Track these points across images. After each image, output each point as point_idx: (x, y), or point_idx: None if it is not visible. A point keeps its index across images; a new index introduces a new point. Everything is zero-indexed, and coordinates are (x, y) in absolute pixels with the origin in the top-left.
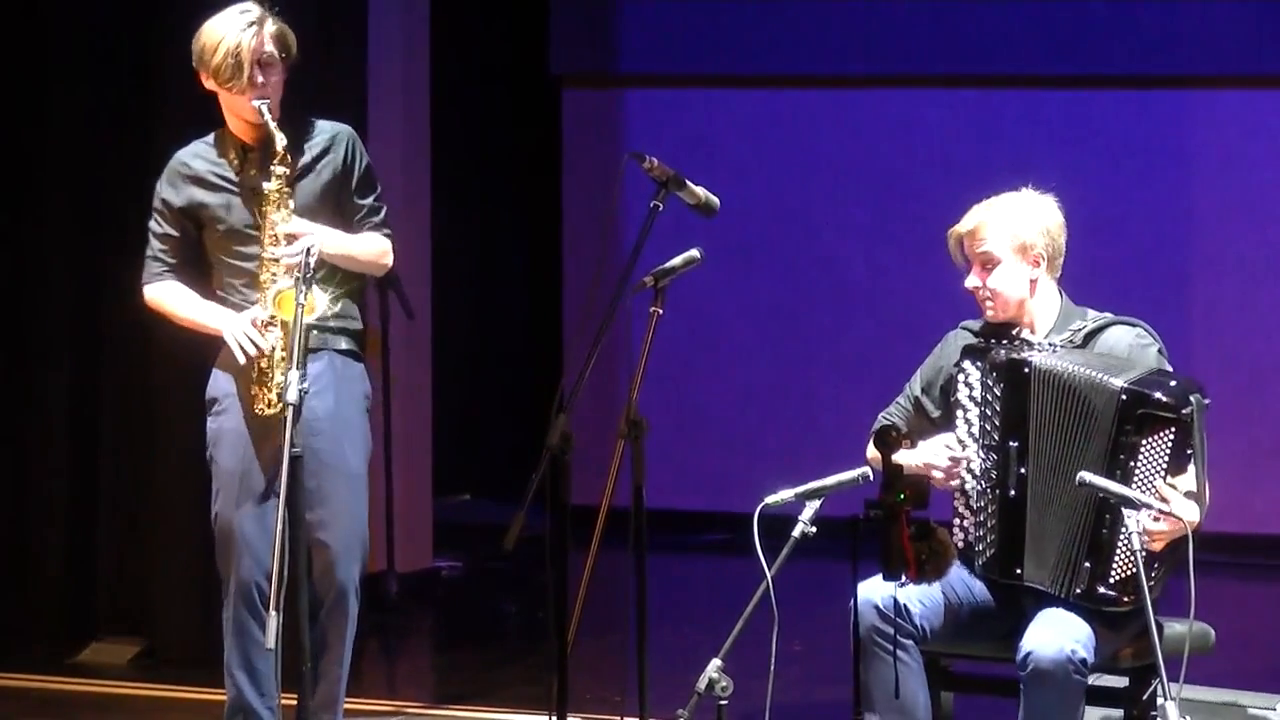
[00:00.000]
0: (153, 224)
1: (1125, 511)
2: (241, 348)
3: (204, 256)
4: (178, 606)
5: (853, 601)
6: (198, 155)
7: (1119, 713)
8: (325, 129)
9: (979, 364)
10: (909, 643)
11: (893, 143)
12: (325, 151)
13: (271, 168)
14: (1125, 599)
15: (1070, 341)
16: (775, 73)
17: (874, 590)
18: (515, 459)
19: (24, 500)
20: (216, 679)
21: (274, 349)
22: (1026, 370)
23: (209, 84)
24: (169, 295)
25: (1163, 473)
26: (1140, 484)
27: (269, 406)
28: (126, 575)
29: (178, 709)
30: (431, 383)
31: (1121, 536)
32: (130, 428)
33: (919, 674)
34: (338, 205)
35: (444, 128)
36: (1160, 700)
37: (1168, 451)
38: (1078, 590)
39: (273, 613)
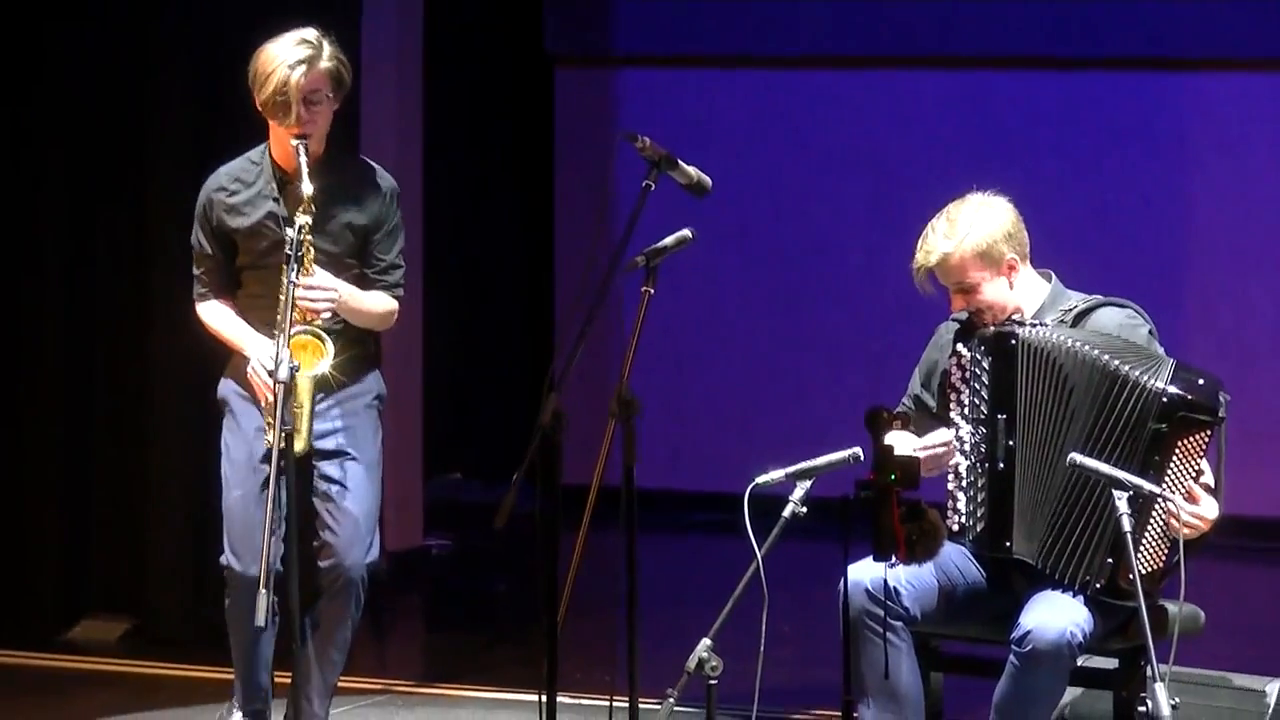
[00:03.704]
0: (194, 240)
1: (1115, 493)
2: (260, 386)
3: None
4: (167, 585)
5: (841, 583)
6: (237, 179)
7: (1108, 694)
8: (371, 178)
9: (969, 343)
10: (899, 625)
11: (888, 125)
12: (364, 201)
13: (295, 217)
14: (1147, 593)
15: (1061, 321)
16: (769, 54)
17: (863, 572)
18: (506, 438)
19: (16, 478)
20: (206, 657)
21: (292, 394)
22: (1013, 342)
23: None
24: (212, 317)
25: (1194, 474)
26: (1172, 484)
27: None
28: (117, 553)
29: (167, 686)
30: (423, 362)
31: (1147, 534)
32: (122, 407)
33: (910, 656)
34: (360, 253)
35: (437, 107)
36: (1150, 682)
37: (1201, 452)
38: (1099, 585)
39: (263, 591)
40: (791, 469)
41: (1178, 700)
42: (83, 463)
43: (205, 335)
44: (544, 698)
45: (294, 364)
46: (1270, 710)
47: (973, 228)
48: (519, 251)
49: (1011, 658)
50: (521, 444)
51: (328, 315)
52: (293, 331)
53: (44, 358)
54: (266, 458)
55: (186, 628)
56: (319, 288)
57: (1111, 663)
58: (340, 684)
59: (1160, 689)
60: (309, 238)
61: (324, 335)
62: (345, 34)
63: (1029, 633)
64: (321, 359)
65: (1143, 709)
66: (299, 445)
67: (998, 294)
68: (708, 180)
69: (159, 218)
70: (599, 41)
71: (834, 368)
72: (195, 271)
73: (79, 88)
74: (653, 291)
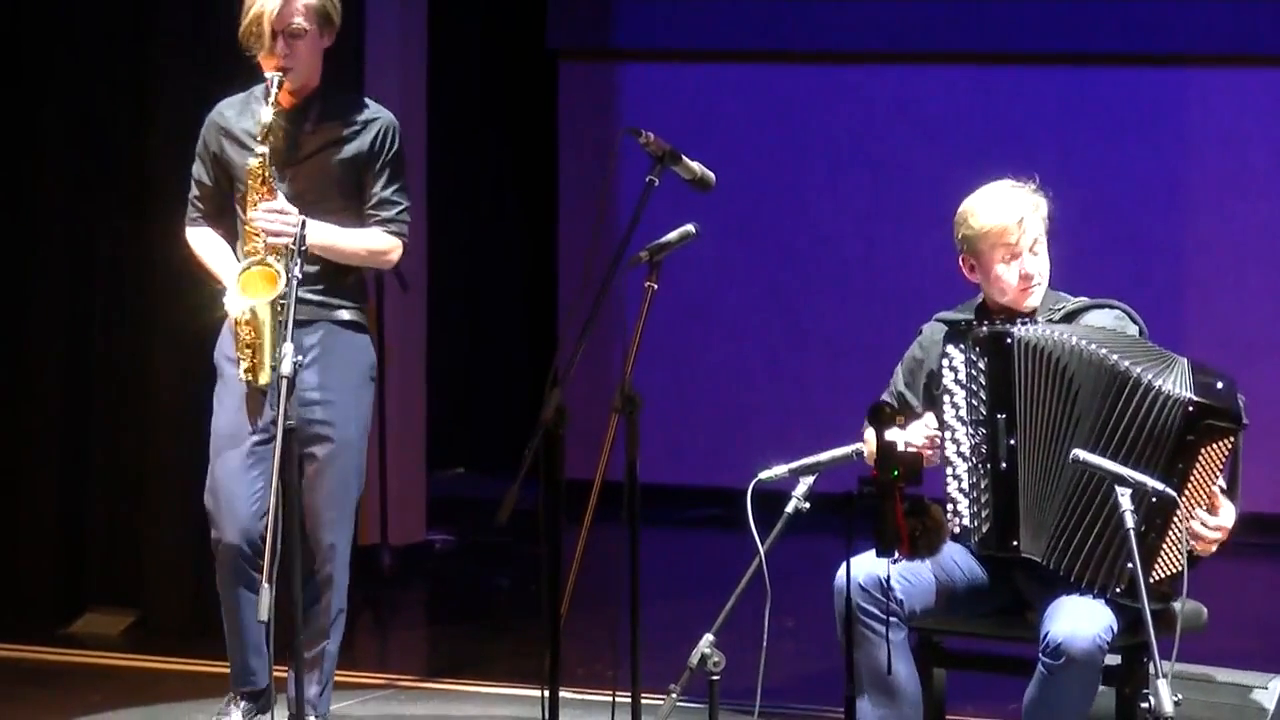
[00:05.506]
0: (194, 166)
1: (1118, 489)
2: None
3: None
4: (170, 578)
5: (842, 570)
6: (234, 106)
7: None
8: (366, 112)
9: (961, 345)
10: (893, 620)
11: (889, 119)
12: (355, 133)
13: (255, 146)
14: (1164, 594)
15: (1049, 321)
16: (772, 48)
17: (857, 568)
18: (509, 433)
19: (16, 470)
20: (209, 650)
21: (247, 320)
22: (1009, 341)
23: None
24: (199, 242)
25: (1214, 481)
26: (1194, 492)
27: (246, 374)
28: (119, 546)
29: (170, 680)
30: (426, 356)
31: (1168, 539)
32: (122, 398)
33: (904, 650)
34: (357, 189)
35: (440, 101)
36: (1153, 679)
37: (1224, 459)
38: (1118, 590)
39: (265, 585)
40: (795, 465)
41: (1180, 697)
42: (83, 455)
43: (192, 262)
44: (546, 692)
45: (250, 301)
46: (1273, 707)
47: (1030, 190)
48: (522, 246)
49: (1041, 667)
50: (524, 439)
51: (287, 240)
52: (246, 264)
53: (41, 349)
54: (255, 429)
55: (189, 621)
56: (278, 211)
57: (1114, 659)
58: (343, 678)
59: (1163, 686)
60: (271, 169)
61: (275, 264)
62: (347, 31)
63: (1060, 644)
64: (276, 285)
65: (1145, 705)
66: (262, 378)
67: (1047, 260)
68: (712, 176)
69: (163, 213)
70: (602, 36)
71: (834, 362)
72: (191, 196)
73: (81, 74)
74: (656, 287)
